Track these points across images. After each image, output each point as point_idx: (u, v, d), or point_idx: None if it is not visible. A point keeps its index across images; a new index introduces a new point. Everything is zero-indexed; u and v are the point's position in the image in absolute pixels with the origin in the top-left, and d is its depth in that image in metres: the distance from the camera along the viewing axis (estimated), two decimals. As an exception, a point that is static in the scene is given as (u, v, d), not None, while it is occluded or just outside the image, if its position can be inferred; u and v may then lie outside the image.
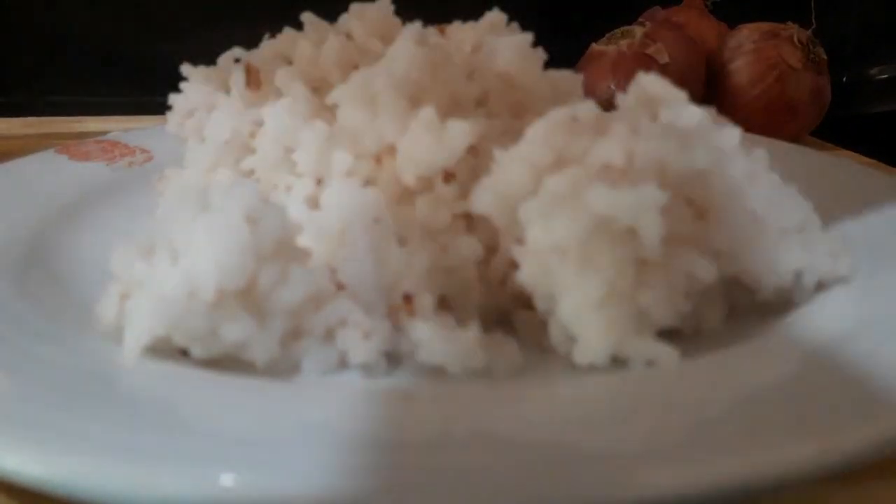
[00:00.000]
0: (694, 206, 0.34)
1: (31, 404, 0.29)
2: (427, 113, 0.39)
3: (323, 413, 0.30)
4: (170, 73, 0.51)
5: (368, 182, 0.41)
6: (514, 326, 0.38)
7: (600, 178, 0.34)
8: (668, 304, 0.33)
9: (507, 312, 0.38)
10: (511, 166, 0.37)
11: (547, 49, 0.45)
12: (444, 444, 0.28)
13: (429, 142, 0.39)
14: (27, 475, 0.26)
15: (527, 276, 0.36)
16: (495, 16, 0.47)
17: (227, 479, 0.25)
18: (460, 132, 0.39)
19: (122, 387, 0.32)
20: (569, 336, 0.34)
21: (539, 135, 0.36)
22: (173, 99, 0.51)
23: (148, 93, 0.69)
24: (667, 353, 0.33)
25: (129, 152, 0.61)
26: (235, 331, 0.33)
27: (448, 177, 0.39)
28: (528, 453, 0.27)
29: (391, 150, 0.40)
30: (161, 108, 0.53)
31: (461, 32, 0.47)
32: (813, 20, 0.70)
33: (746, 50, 0.69)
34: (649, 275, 0.33)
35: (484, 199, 0.37)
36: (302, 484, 0.25)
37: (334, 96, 0.41)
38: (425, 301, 0.36)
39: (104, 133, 0.66)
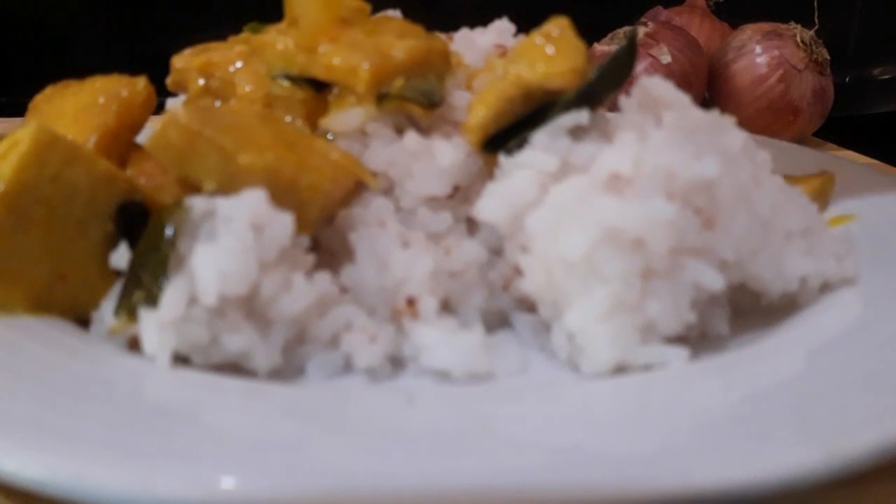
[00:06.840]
0: (702, 214, 0.34)
1: (30, 407, 0.29)
2: (411, 140, 0.39)
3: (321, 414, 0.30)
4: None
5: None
6: (516, 329, 0.38)
7: (607, 188, 0.34)
8: (675, 315, 0.33)
9: (509, 315, 0.38)
10: (516, 172, 0.36)
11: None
12: (452, 444, 0.28)
13: (423, 172, 0.38)
14: (26, 477, 0.26)
15: (531, 284, 0.36)
16: (503, 24, 0.46)
17: (227, 482, 0.25)
18: (450, 152, 0.38)
19: (122, 390, 0.31)
20: (572, 341, 0.34)
21: (544, 140, 0.36)
22: (171, 103, 0.51)
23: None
24: (675, 355, 0.33)
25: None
26: (237, 341, 0.33)
27: (453, 191, 0.39)
28: (535, 455, 0.27)
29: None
30: (161, 110, 0.52)
31: (468, 39, 0.46)
32: (816, 20, 0.70)
33: (749, 50, 0.69)
34: (656, 286, 0.33)
35: (489, 206, 0.37)
36: (300, 486, 0.25)
37: (325, 124, 0.41)
38: (428, 304, 0.36)
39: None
